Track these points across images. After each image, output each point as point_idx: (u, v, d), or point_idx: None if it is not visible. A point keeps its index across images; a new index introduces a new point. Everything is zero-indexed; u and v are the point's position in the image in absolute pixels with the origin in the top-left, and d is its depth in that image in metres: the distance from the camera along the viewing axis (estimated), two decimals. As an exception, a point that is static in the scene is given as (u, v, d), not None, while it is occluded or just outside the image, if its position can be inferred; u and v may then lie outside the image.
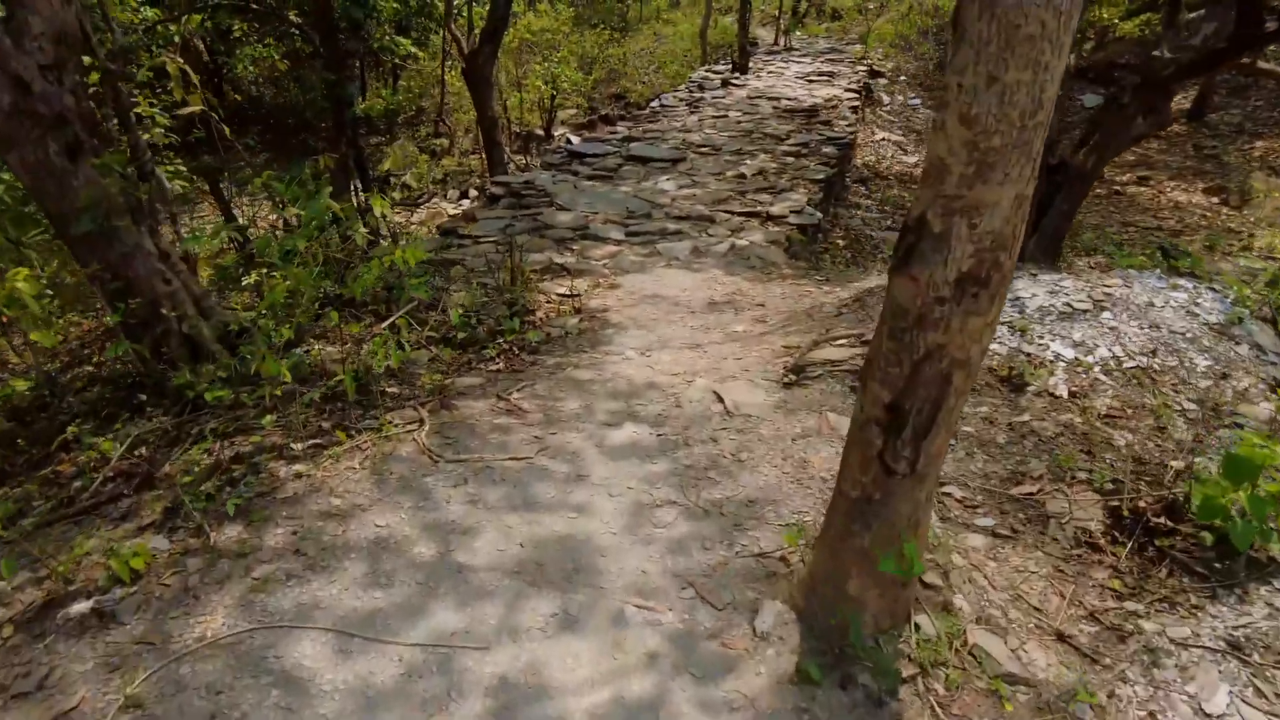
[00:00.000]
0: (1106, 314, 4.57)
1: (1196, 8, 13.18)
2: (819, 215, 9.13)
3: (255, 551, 2.91)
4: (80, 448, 3.90)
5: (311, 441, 3.71)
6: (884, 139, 14.56)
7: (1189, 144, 14.10)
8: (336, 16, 9.52)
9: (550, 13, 16.14)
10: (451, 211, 14.41)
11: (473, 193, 14.72)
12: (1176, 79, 6.80)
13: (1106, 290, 4.94)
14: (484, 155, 10.97)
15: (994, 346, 4.37)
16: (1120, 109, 7.05)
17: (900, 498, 2.38)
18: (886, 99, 16.50)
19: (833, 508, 2.58)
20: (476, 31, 11.09)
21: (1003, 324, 4.56)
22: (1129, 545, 2.90)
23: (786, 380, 4.51)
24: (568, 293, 6.54)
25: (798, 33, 20.41)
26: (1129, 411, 3.78)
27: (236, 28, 13.29)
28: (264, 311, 4.39)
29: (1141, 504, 2.97)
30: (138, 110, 6.17)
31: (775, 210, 8.89)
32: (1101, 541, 2.95)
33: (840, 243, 9.92)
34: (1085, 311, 4.63)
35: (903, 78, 17.37)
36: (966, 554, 2.98)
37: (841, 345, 4.77)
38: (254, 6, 10.42)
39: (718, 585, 2.88)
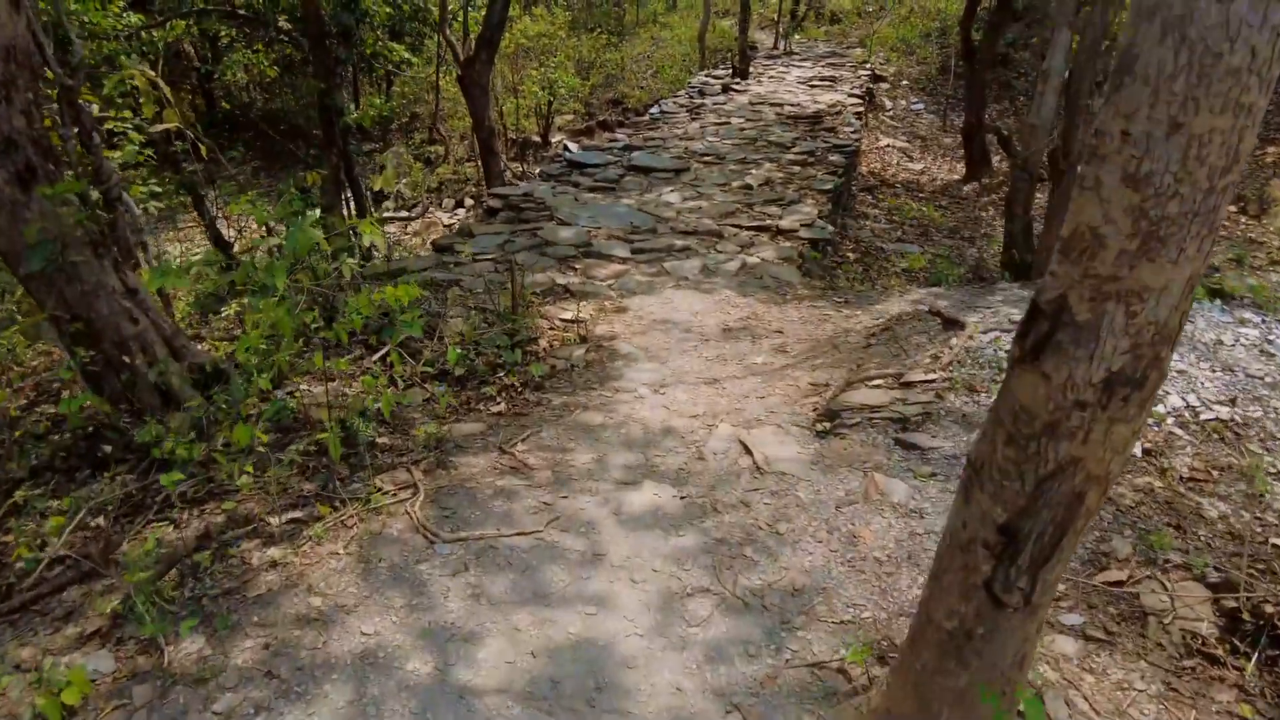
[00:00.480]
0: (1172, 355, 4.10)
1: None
2: (831, 229, 8.64)
3: (218, 675, 2.41)
4: (29, 514, 3.39)
5: (290, 516, 3.21)
6: (889, 145, 14.08)
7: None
8: (326, 23, 9.00)
9: (546, 17, 15.61)
10: (447, 221, 13.89)
11: (469, 202, 14.20)
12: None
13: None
14: (480, 165, 10.45)
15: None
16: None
17: (1009, 633, 1.89)
18: (889, 104, 16.03)
19: (919, 638, 2.08)
20: (472, 38, 10.58)
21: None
22: (1255, 657, 2.43)
23: (820, 428, 4.02)
24: (572, 318, 6.05)
25: (796, 36, 19.92)
26: (1214, 474, 3.31)
27: (224, 34, 12.74)
28: (243, 352, 3.88)
29: (1268, 608, 2.49)
30: (109, 127, 5.64)
31: (785, 224, 8.40)
32: (1218, 651, 2.47)
33: (851, 255, 9.43)
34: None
35: (905, 82, 16.89)
36: (1058, 664, 2.51)
37: (878, 387, 4.28)
38: (241, 13, 9.88)
39: (768, 708, 2.40)
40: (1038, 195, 11.06)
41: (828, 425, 4.00)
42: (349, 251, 9.35)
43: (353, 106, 9.34)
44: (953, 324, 4.83)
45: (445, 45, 10.09)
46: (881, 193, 12.25)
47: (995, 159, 12.95)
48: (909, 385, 4.14)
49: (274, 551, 2.95)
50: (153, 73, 4.16)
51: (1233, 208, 11.43)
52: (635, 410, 4.48)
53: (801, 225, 8.43)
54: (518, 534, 3.14)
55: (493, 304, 6.18)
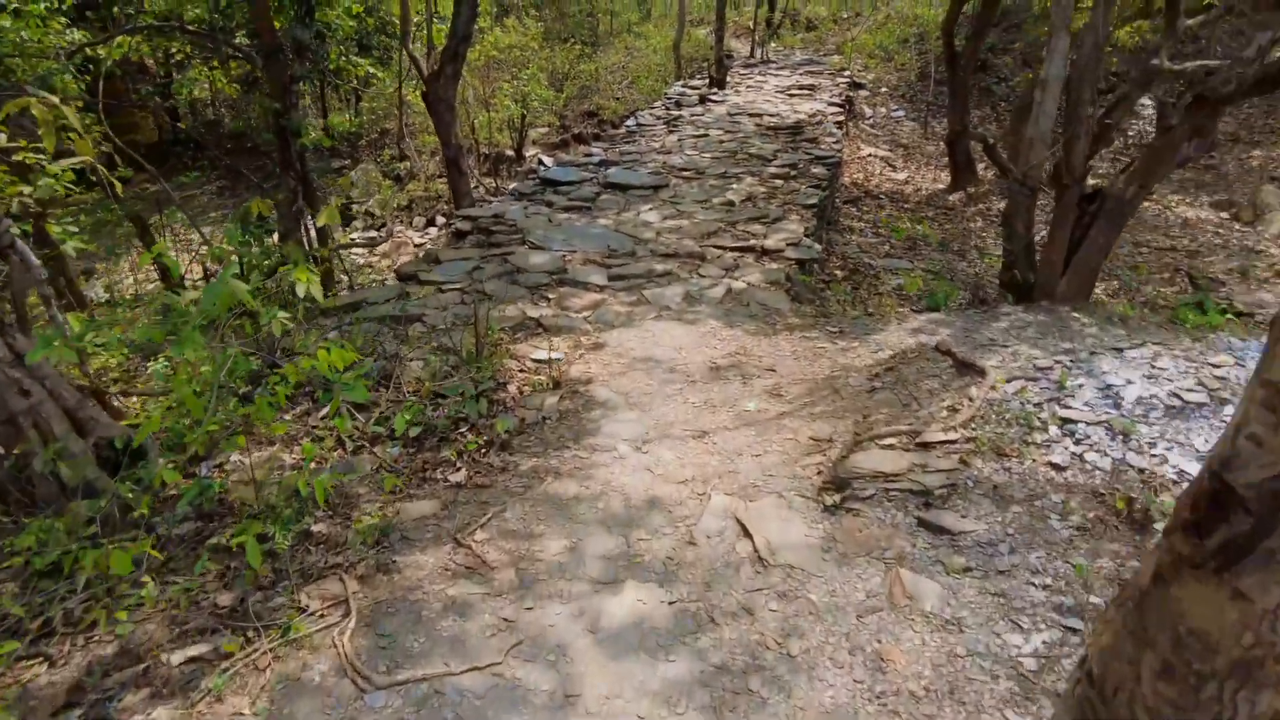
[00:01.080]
0: (1230, 409, 3.54)
1: (1195, 13, 12.28)
2: (818, 247, 8.06)
3: None
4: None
5: (191, 651, 2.56)
6: (870, 154, 13.56)
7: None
8: (280, 38, 8.32)
9: (518, 28, 14.99)
10: (417, 241, 13.23)
11: (440, 220, 13.53)
12: (1236, 98, 5.79)
13: (1217, 372, 3.90)
14: (449, 184, 9.81)
15: (1093, 457, 3.32)
16: (1166, 132, 6.04)
17: None
18: (869, 111, 15.52)
19: None
20: (437, 51, 9.93)
21: (1097, 423, 3.51)
22: None
23: (828, 500, 3.41)
24: (545, 357, 5.42)
25: (773, 44, 19.41)
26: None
27: (177, 50, 12.01)
28: (145, 435, 3.23)
29: None
30: (22, 159, 4.96)
31: (770, 244, 7.82)
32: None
33: (839, 273, 8.86)
34: (1200, 405, 3.58)
35: (884, 89, 16.39)
36: None
37: (890, 446, 3.69)
38: (191, 28, 9.19)
39: None
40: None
41: (837, 498, 3.40)
42: (311, 289, 8.70)
43: (312, 126, 8.65)
44: (968, 368, 4.25)
45: (408, 60, 9.44)
46: (865, 204, 11.71)
47: (980, 167, 12.46)
48: (927, 446, 3.55)
49: (162, 713, 2.31)
50: (54, 99, 3.47)
51: (1224, 214, 10.98)
52: (615, 475, 3.86)
53: (787, 244, 7.85)
54: (470, 669, 2.51)
55: (457, 344, 5.55)
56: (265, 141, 14.57)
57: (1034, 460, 3.35)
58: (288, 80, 8.36)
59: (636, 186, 9.60)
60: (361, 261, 12.66)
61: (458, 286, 6.96)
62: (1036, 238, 7.27)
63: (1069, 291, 6.48)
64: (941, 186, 12.33)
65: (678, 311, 6.30)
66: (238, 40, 11.07)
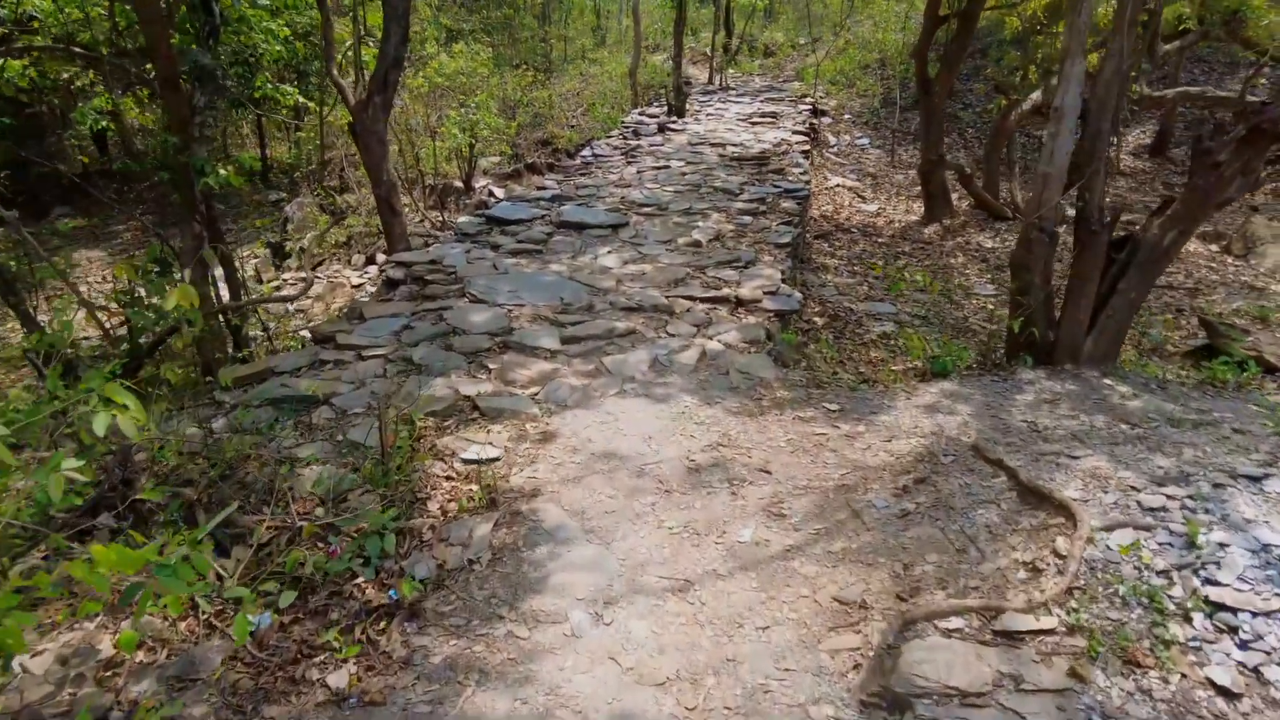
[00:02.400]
0: None
1: (1172, 38, 11.55)
2: (798, 296, 6.95)
3: None
4: None
5: None
6: (839, 185, 12.57)
7: (1156, 181, 12.47)
8: (177, 62, 7.01)
9: (466, 53, 13.78)
10: (355, 281, 11.88)
11: (380, 258, 12.20)
12: (1301, 130, 4.80)
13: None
14: (381, 225, 8.53)
15: (1277, 674, 2.19)
16: (1211, 169, 5.03)
17: None
18: (833, 139, 14.59)
19: None
20: (367, 75, 8.67)
21: (1271, 615, 2.38)
22: None
23: (880, 728, 2.24)
24: (480, 455, 4.20)
25: (731, 70, 18.46)
26: None
27: (77, 76, 10.58)
28: None
29: None
30: None
31: (745, 292, 6.69)
32: None
33: (819, 320, 7.77)
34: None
35: (847, 116, 15.49)
36: None
37: (955, 633, 2.53)
38: (79, 51, 7.83)
39: None
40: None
41: (892, 723, 2.22)
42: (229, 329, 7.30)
43: (236, 161, 7.32)
44: (1039, 498, 3.11)
45: (334, 88, 8.18)
46: (837, 239, 10.68)
47: (954, 197, 11.53)
48: (1012, 637, 2.41)
49: None
50: None
51: (1213, 246, 10.16)
52: (566, 673, 2.65)
53: (764, 293, 6.73)
54: None
55: (367, 439, 4.30)
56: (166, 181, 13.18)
57: (1184, 676, 2.22)
58: (189, 110, 7.04)
59: (594, 226, 8.42)
60: (294, 307, 11.29)
61: (381, 352, 5.70)
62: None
63: (1096, 352, 5.44)
64: (915, 218, 11.37)
65: (644, 384, 5.11)
66: (149, 65, 9.70)
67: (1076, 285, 5.40)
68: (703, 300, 6.59)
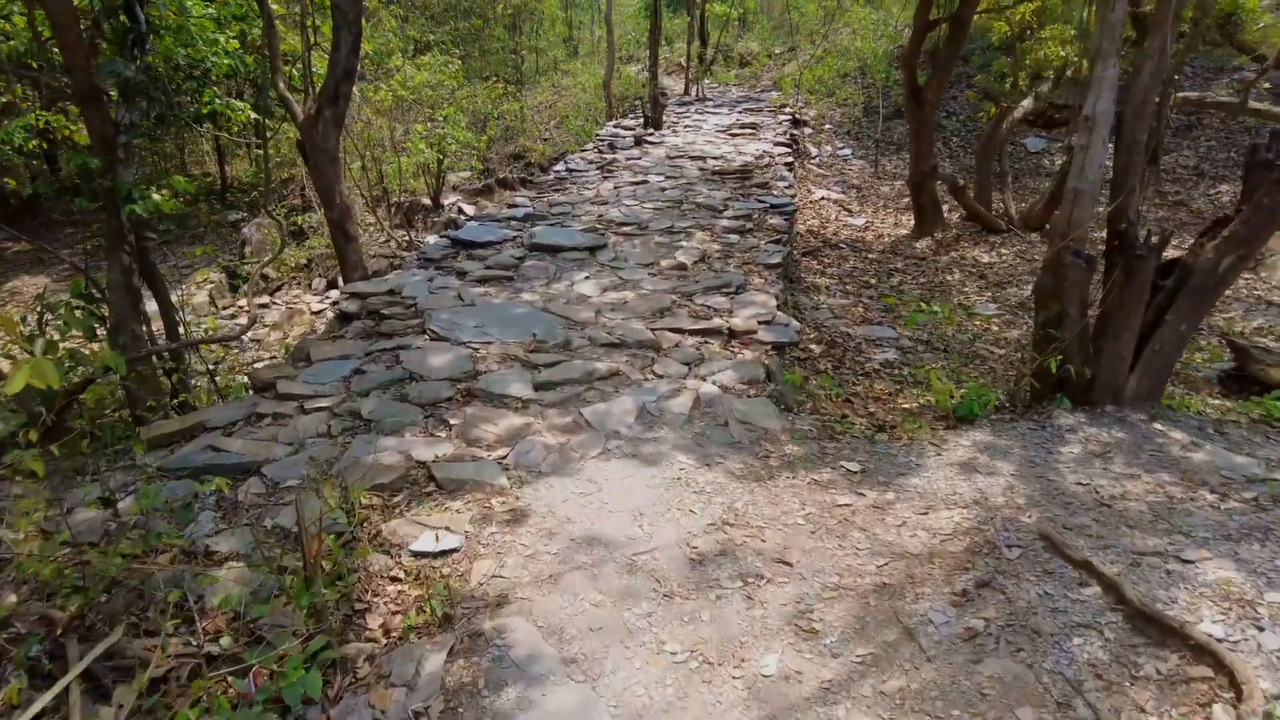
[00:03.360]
0: None
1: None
2: (796, 325, 6.19)
3: None
4: None
5: None
6: (823, 198, 11.87)
7: (1148, 190, 11.87)
8: (97, 76, 6.12)
9: (431, 65, 12.94)
10: (316, 307, 10.97)
11: (343, 281, 11.30)
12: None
13: None
14: (336, 253, 7.66)
15: None
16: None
17: None
18: (814, 150, 13.90)
19: None
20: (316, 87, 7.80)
21: None
22: None
23: None
24: (434, 546, 3.38)
25: (707, 81, 17.75)
26: None
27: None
28: None
29: None
30: None
31: (738, 322, 5.92)
32: None
33: (816, 348, 7.02)
34: None
35: (828, 125, 14.82)
36: None
37: None
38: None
39: None
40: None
41: None
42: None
43: (153, 189, 6.42)
44: (1160, 628, 2.35)
45: (280, 102, 7.32)
46: (826, 255, 9.96)
47: (944, 208, 10.86)
48: None
49: None
50: None
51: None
52: None
53: (759, 322, 5.97)
54: None
55: (316, 511, 3.45)
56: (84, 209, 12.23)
57: None
58: (111, 129, 6.15)
59: (569, 248, 7.61)
60: (248, 337, 10.36)
61: (326, 404, 4.86)
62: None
63: (1140, 391, 4.72)
64: (905, 232, 10.68)
65: (631, 441, 4.30)
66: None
67: (1118, 316, 4.67)
68: (692, 333, 5.80)
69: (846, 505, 3.69)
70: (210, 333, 8.03)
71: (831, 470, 4.05)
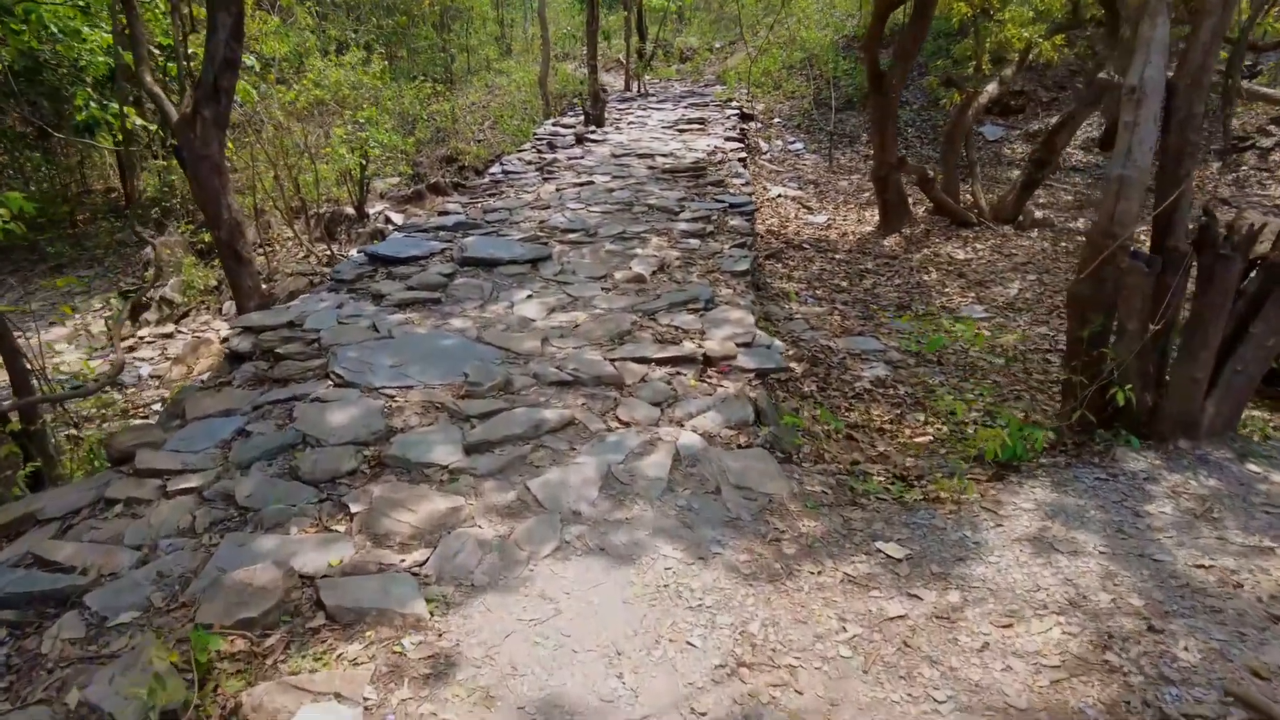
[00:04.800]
0: None
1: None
2: (780, 346, 5.09)
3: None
4: None
5: None
6: (780, 195, 10.85)
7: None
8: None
9: (348, 63, 11.53)
10: (225, 333, 9.48)
11: (235, 313, 9.85)
12: None
13: None
14: (228, 279, 6.30)
15: None
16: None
17: None
18: (765, 145, 12.89)
19: None
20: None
21: None
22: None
23: None
24: (316, 731, 2.19)
25: (647, 76, 16.63)
26: None
27: None
28: None
29: None
30: None
31: (714, 346, 4.82)
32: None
33: (796, 367, 5.94)
34: None
35: (777, 119, 13.84)
36: None
37: None
38: None
39: None
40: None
41: None
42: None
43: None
44: None
45: (149, 97, 5.92)
46: (790, 257, 8.93)
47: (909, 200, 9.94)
48: None
49: None
50: None
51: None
52: None
53: (738, 345, 4.88)
54: None
55: (133, 682, 2.25)
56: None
57: None
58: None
59: (507, 261, 6.41)
60: (146, 372, 8.88)
61: (195, 483, 3.62)
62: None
63: (1218, 421, 3.75)
64: (870, 229, 9.73)
65: (596, 525, 3.15)
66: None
67: (1193, 331, 3.69)
68: (660, 362, 4.67)
69: (900, 618, 2.60)
70: (83, 379, 6.61)
71: (867, 557, 2.96)
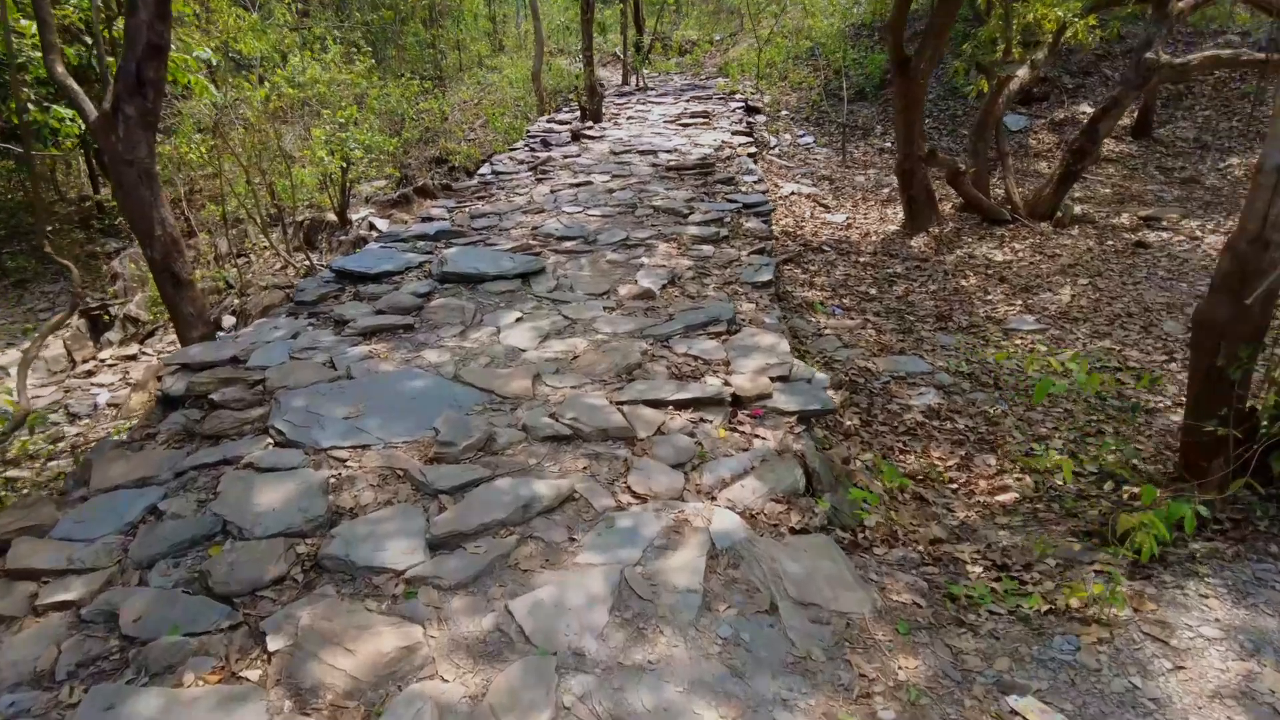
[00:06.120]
0: None
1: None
2: (824, 380, 4.08)
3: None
4: None
5: None
6: (794, 193, 9.84)
7: (1150, 166, 10.17)
8: None
9: (329, 60, 10.50)
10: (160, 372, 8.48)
11: (228, 320, 8.87)
12: None
13: None
14: (166, 307, 5.28)
15: None
16: None
17: None
18: (773, 139, 11.87)
19: None
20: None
21: None
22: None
23: None
24: None
25: (646, 70, 15.59)
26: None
27: None
28: None
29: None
30: None
31: (744, 382, 3.84)
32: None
33: (833, 394, 4.94)
34: None
35: (784, 112, 12.81)
36: None
37: None
38: None
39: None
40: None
41: None
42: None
43: None
44: None
45: (61, 91, 4.91)
46: (810, 261, 7.93)
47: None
48: None
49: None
50: None
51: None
52: None
53: (771, 379, 3.90)
54: None
55: None
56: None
57: None
58: None
59: (494, 276, 5.41)
60: (104, 400, 7.89)
61: (73, 595, 2.68)
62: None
63: None
64: (894, 228, 8.73)
65: (608, 675, 2.17)
66: None
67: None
68: (679, 405, 3.68)
69: None
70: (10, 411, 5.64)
71: (969, 700, 1.97)
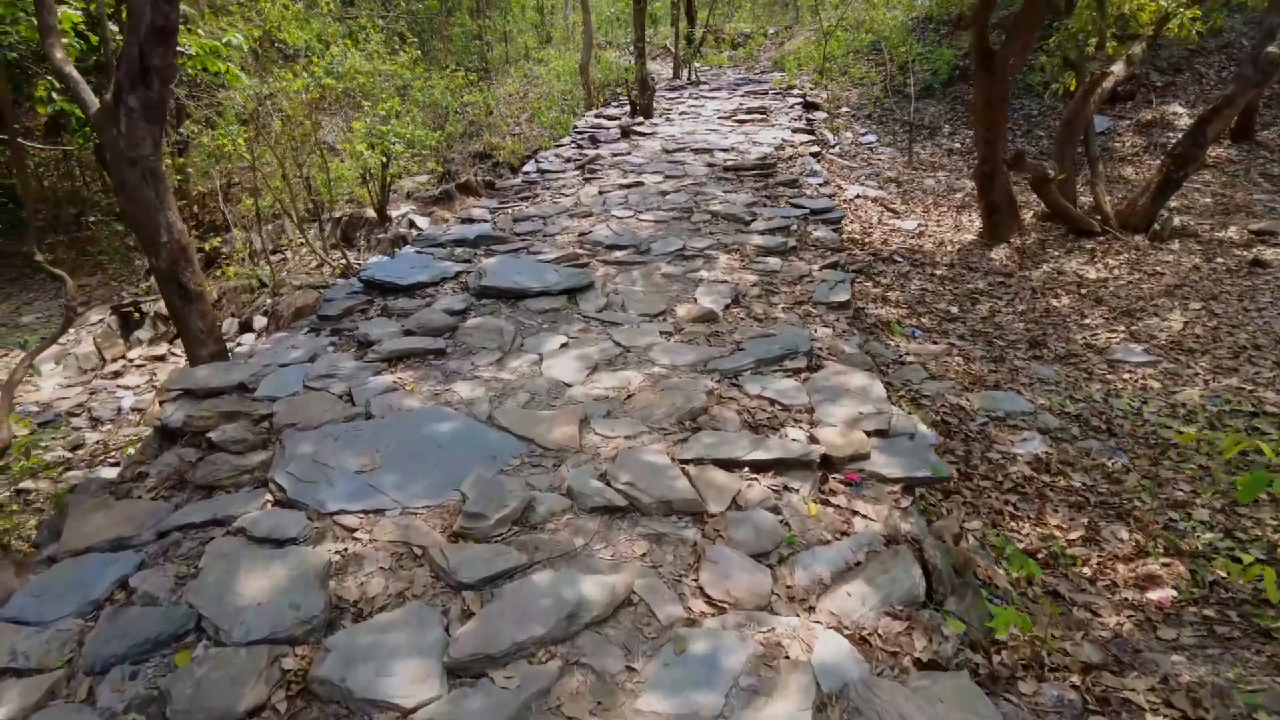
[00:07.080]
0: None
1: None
2: (929, 436, 3.34)
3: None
4: None
5: None
6: (860, 196, 9.03)
7: (1253, 173, 9.14)
8: None
9: (372, 50, 9.96)
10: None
11: (259, 321, 8.39)
12: None
13: None
14: (172, 320, 4.73)
15: None
16: None
17: None
18: (833, 138, 11.04)
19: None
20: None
21: None
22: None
23: None
24: None
25: (697, 64, 14.81)
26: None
27: None
28: None
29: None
30: None
31: (833, 437, 3.13)
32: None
33: (942, 452, 4.20)
34: None
35: (844, 109, 11.96)
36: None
37: None
38: None
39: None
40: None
41: None
42: None
43: None
44: None
45: (60, 80, 4.36)
46: (880, 273, 7.15)
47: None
48: None
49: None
50: None
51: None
52: None
53: (867, 432, 3.18)
54: None
55: None
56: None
57: None
58: None
59: (537, 292, 4.75)
60: (129, 404, 7.45)
61: (3, 711, 2.03)
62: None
63: None
64: (971, 237, 7.89)
65: None
66: None
67: None
68: (756, 467, 2.98)
69: None
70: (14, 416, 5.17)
71: None
